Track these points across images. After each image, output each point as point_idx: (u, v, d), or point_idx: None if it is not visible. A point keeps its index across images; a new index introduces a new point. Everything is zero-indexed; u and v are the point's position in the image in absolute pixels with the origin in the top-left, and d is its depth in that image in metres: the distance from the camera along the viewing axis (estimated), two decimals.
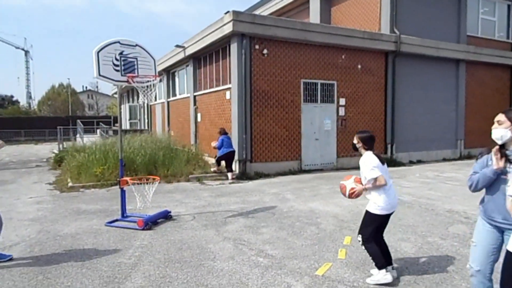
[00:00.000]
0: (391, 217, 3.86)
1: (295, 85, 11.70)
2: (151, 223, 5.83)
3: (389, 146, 13.65)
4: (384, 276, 3.71)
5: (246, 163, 10.99)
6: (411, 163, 13.87)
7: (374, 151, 3.84)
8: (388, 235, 5.31)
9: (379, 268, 3.74)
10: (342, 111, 12.62)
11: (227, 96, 11.56)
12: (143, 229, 5.65)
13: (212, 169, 10.93)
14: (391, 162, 13.23)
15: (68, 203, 7.72)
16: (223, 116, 12.07)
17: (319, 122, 12.21)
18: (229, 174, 10.28)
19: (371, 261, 3.83)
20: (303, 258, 4.47)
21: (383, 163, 3.77)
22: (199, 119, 14.29)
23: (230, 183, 9.93)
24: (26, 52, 66.17)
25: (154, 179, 6.32)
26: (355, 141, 3.89)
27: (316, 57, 12.00)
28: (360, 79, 12.92)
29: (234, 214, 6.63)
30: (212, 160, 12.37)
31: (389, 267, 3.83)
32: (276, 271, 4.10)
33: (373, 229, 3.79)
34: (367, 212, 3.84)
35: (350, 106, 12.78)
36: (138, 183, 6.32)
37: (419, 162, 13.99)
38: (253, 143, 11.09)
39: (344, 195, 3.93)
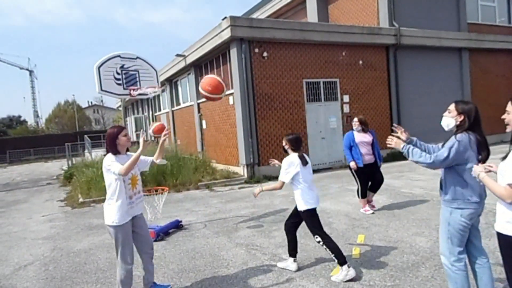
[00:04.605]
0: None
1: (297, 86, 11.67)
2: (163, 234, 5.83)
3: None
4: (348, 272, 3.75)
5: (254, 167, 10.98)
6: None
7: (301, 151, 4.13)
8: (402, 230, 5.25)
9: (341, 264, 3.77)
10: (346, 108, 12.55)
11: (231, 101, 11.58)
12: (155, 241, 5.64)
13: (362, 209, 6.39)
14: (399, 156, 13.09)
15: (80, 219, 7.76)
16: (227, 121, 12.08)
17: (324, 121, 12.16)
18: (362, 202, 6.41)
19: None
20: (317, 260, 4.43)
21: (305, 164, 4.03)
22: (204, 126, 14.32)
23: (372, 212, 6.31)
24: (31, 72, 67.02)
25: (163, 189, 6.34)
26: (283, 144, 4.21)
27: (317, 56, 11.97)
28: (362, 75, 12.85)
29: (245, 219, 6.60)
30: (220, 167, 12.39)
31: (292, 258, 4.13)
32: (291, 275, 4.06)
33: (318, 223, 3.98)
34: (301, 213, 4.01)
35: (354, 102, 12.71)
36: (147, 195, 6.34)
37: None
38: (259, 147, 11.08)
39: None
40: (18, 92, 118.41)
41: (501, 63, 16.49)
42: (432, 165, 2.88)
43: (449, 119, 2.97)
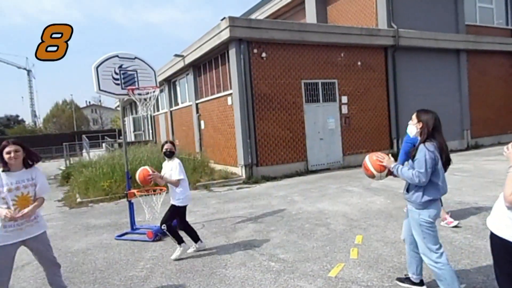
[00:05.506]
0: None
1: (296, 86, 11.68)
2: (160, 234, 5.82)
3: (394, 140, 13.56)
4: (181, 250, 4.84)
5: (253, 167, 10.98)
6: None
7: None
8: (400, 231, 5.25)
9: (179, 244, 4.83)
10: (345, 109, 12.57)
11: (229, 102, 11.58)
12: (153, 241, 5.65)
13: (443, 222, 5.32)
14: (397, 158, 13.14)
15: (77, 219, 7.74)
16: (226, 122, 12.08)
17: (322, 122, 12.17)
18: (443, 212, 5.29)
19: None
20: (315, 260, 4.44)
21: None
22: (202, 127, 14.32)
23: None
24: (29, 72, 66.73)
25: (161, 189, 6.31)
26: (172, 150, 5.03)
27: (315, 56, 11.98)
28: (360, 76, 12.88)
29: (243, 219, 6.60)
30: (218, 167, 12.37)
31: (199, 242, 5.05)
32: (289, 275, 4.06)
33: (173, 218, 4.90)
34: (174, 206, 4.89)
35: (353, 103, 12.73)
36: (145, 195, 6.32)
37: None
38: (258, 147, 11.08)
39: None
40: (16, 91, 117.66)
41: (499, 65, 16.54)
42: (419, 183, 3.07)
43: (412, 127, 3.24)
